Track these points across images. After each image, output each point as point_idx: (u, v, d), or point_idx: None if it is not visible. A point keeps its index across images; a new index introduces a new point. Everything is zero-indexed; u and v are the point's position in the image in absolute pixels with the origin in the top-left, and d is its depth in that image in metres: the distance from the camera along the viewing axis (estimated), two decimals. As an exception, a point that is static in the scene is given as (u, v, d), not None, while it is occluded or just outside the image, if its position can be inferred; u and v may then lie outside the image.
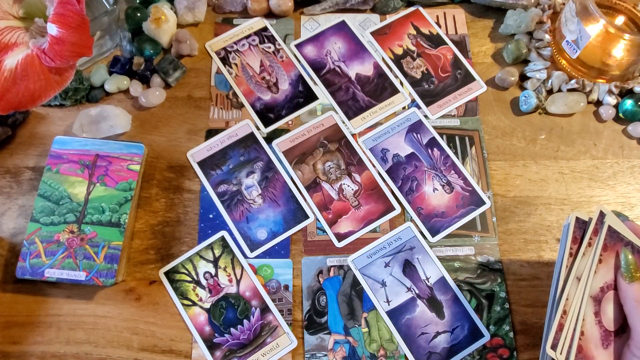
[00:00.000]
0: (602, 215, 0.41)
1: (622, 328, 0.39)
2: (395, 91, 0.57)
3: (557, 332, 0.38)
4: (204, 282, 0.49)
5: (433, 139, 0.55)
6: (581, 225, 0.41)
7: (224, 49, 0.59)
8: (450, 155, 0.54)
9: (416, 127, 0.55)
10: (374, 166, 0.54)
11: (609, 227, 0.40)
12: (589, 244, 0.40)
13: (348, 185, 0.53)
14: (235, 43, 0.59)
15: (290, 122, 0.56)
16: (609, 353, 0.38)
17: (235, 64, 0.58)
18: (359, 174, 0.53)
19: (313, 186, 0.52)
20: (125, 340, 0.47)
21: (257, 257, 0.50)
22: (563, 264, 0.40)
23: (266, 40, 0.59)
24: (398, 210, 0.52)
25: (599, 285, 0.39)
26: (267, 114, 0.56)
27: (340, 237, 0.51)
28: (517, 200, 0.53)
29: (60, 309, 0.48)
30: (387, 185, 0.53)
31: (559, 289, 0.39)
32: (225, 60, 0.58)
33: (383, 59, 0.59)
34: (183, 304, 0.48)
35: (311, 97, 0.57)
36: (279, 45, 0.59)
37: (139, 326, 0.47)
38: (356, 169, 0.53)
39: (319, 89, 0.57)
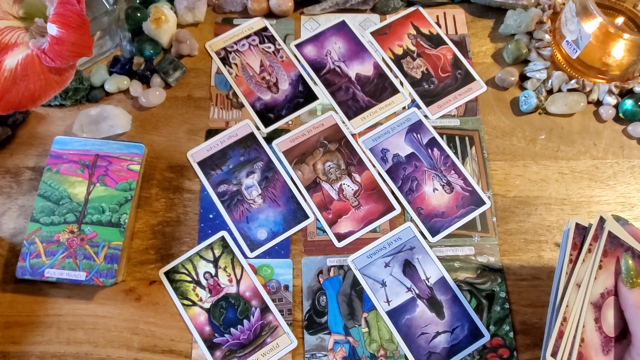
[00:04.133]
0: (602, 220, 0.41)
1: (623, 334, 0.39)
2: (395, 91, 0.57)
3: (557, 339, 0.38)
4: (204, 282, 0.49)
5: (433, 139, 0.55)
6: (581, 231, 0.41)
7: (224, 49, 0.59)
8: (450, 155, 0.54)
9: (416, 127, 0.55)
10: (374, 166, 0.54)
11: (609, 232, 0.40)
12: (589, 250, 0.40)
13: (348, 185, 0.53)
14: (235, 43, 0.59)
15: (290, 122, 0.56)
16: (610, 359, 0.38)
17: (235, 64, 0.58)
18: (359, 174, 0.53)
19: (313, 186, 0.52)
20: (125, 340, 0.47)
21: (257, 257, 0.50)
22: (563, 270, 0.40)
23: (266, 40, 0.59)
24: (398, 210, 0.52)
25: (599, 292, 0.39)
26: (267, 114, 0.56)
27: (340, 237, 0.51)
28: (517, 200, 0.53)
29: (60, 309, 0.48)
30: (387, 185, 0.53)
31: (558, 295, 0.39)
32: (225, 60, 0.58)
33: (383, 59, 0.59)
34: (183, 304, 0.48)
35: (311, 97, 0.57)
36: (279, 45, 0.59)
37: (139, 326, 0.47)
38: (356, 169, 0.53)
39: (319, 89, 0.57)
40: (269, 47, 0.59)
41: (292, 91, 0.57)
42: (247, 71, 0.58)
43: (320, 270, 0.49)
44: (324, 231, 0.51)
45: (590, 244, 0.40)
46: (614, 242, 0.40)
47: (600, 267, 0.39)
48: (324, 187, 0.52)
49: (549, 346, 0.38)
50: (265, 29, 0.60)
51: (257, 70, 0.58)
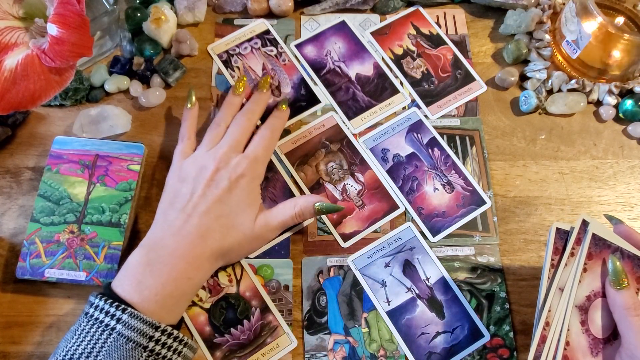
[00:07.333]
0: (584, 223, 0.41)
1: (614, 334, 0.39)
2: (395, 91, 0.57)
3: (539, 344, 0.38)
4: (204, 282, 0.49)
5: (433, 139, 0.55)
6: (562, 236, 0.41)
7: (226, 52, 0.59)
8: (451, 155, 0.54)
9: (416, 127, 0.55)
10: (375, 166, 0.54)
11: (594, 234, 0.40)
12: (572, 254, 0.40)
13: (351, 185, 0.53)
14: (237, 46, 0.59)
15: (291, 123, 0.56)
16: None
17: (238, 67, 0.58)
18: (361, 173, 0.53)
19: (316, 187, 0.52)
20: (126, 340, 0.47)
21: (257, 257, 0.50)
22: (544, 275, 0.40)
23: (268, 44, 0.59)
24: (402, 208, 0.52)
25: (585, 294, 0.39)
26: (268, 114, 0.56)
27: (345, 237, 0.51)
28: (517, 201, 0.53)
29: (60, 309, 0.48)
30: (388, 185, 0.53)
31: (540, 300, 0.39)
32: (227, 63, 0.58)
33: (383, 59, 0.59)
34: (183, 304, 0.48)
35: (313, 100, 0.57)
36: (281, 48, 0.59)
37: (139, 326, 0.47)
38: (359, 169, 0.53)
39: (319, 89, 0.57)
40: (271, 50, 0.59)
41: (294, 95, 0.57)
42: (249, 74, 0.57)
43: (320, 270, 0.49)
44: (325, 231, 0.51)
45: (573, 248, 0.40)
46: (599, 244, 0.40)
47: (585, 270, 0.39)
48: (328, 188, 0.52)
49: (530, 351, 0.38)
50: (267, 31, 0.60)
51: (259, 74, 0.58)
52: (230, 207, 0.45)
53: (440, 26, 0.61)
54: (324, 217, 0.51)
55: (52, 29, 0.43)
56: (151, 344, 0.38)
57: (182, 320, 0.46)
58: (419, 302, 0.48)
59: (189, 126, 0.50)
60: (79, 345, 0.37)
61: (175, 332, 0.39)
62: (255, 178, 0.47)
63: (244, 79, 0.52)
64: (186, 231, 0.43)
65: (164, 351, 0.38)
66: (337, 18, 0.61)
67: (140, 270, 0.41)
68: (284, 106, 0.52)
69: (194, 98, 0.51)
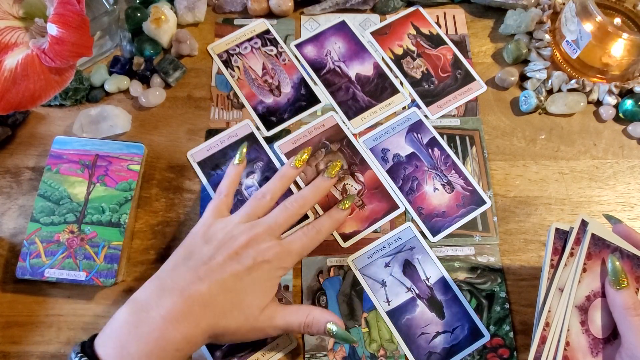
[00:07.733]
0: (584, 223, 0.40)
1: (614, 334, 0.39)
2: (395, 91, 0.57)
3: (539, 345, 0.38)
4: (204, 282, 0.49)
5: (433, 139, 0.55)
6: (561, 236, 0.41)
7: (226, 51, 0.59)
8: (451, 155, 0.54)
9: (416, 127, 0.55)
10: (375, 166, 0.54)
11: (593, 234, 0.40)
12: (571, 254, 0.40)
13: (351, 185, 0.53)
14: (237, 46, 0.59)
15: (291, 123, 0.56)
16: None
17: (238, 67, 0.58)
18: (361, 173, 0.53)
19: (314, 186, 0.52)
20: (126, 340, 0.47)
21: (257, 257, 0.50)
22: (544, 275, 0.40)
23: (268, 43, 0.59)
24: (402, 208, 0.52)
25: (585, 294, 0.39)
26: (270, 117, 0.56)
27: (345, 237, 0.51)
28: (517, 200, 0.53)
29: (60, 309, 0.48)
30: (388, 185, 0.53)
31: (540, 301, 0.39)
32: (227, 63, 0.58)
33: (383, 59, 0.59)
34: (183, 304, 0.48)
35: (313, 100, 0.57)
36: (282, 48, 0.59)
37: (139, 326, 0.47)
38: (359, 169, 0.53)
39: (319, 89, 0.57)
40: (271, 50, 0.59)
41: (294, 94, 0.57)
42: (250, 74, 0.57)
43: (320, 270, 0.49)
44: (324, 231, 0.51)
45: (573, 248, 0.40)
46: (598, 244, 0.40)
47: (584, 270, 0.39)
48: (325, 187, 0.52)
49: (531, 352, 0.38)
50: (267, 31, 0.60)
51: (259, 74, 0.58)
52: (244, 286, 0.41)
53: (440, 26, 0.61)
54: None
55: (52, 29, 0.43)
56: None
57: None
58: (419, 302, 0.48)
59: (229, 182, 0.47)
60: None
61: None
62: (280, 269, 0.43)
63: (306, 153, 0.48)
64: (189, 293, 0.39)
65: None
66: (337, 18, 0.61)
67: (125, 332, 0.37)
68: (346, 204, 0.48)
69: (244, 152, 0.48)
